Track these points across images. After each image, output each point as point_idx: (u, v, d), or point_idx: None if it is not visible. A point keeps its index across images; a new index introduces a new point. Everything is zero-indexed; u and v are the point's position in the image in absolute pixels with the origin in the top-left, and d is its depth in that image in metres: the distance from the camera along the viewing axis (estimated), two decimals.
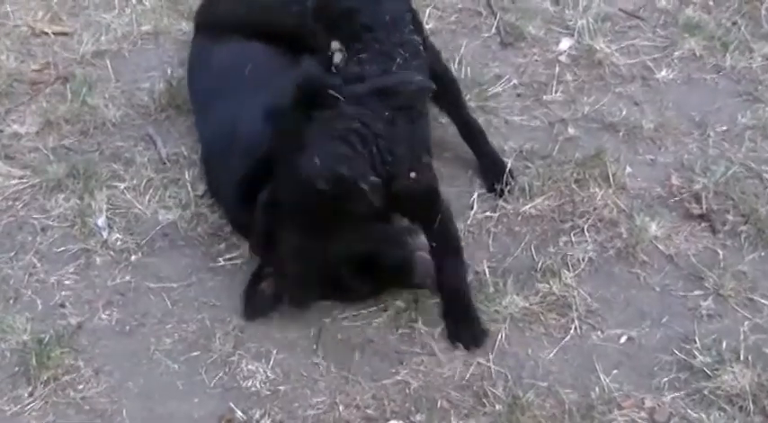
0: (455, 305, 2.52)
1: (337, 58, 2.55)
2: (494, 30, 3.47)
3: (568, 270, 2.63)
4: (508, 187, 2.84)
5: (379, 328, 2.52)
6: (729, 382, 2.36)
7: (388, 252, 2.50)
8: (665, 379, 2.40)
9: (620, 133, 3.06)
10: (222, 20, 3.03)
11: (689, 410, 2.33)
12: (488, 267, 2.64)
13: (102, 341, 2.49)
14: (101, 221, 2.75)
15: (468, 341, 2.47)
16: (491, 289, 2.58)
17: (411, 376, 2.41)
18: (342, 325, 2.53)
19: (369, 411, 2.34)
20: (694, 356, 2.43)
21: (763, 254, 2.70)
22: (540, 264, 2.65)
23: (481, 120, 3.01)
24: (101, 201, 2.80)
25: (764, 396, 2.34)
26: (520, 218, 2.79)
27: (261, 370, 2.42)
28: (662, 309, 2.57)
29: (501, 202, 2.82)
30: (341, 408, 2.34)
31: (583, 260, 2.66)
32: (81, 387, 2.39)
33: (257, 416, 2.32)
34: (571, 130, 3.07)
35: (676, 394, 2.37)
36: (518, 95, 3.21)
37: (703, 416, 2.31)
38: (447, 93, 2.83)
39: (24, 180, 2.88)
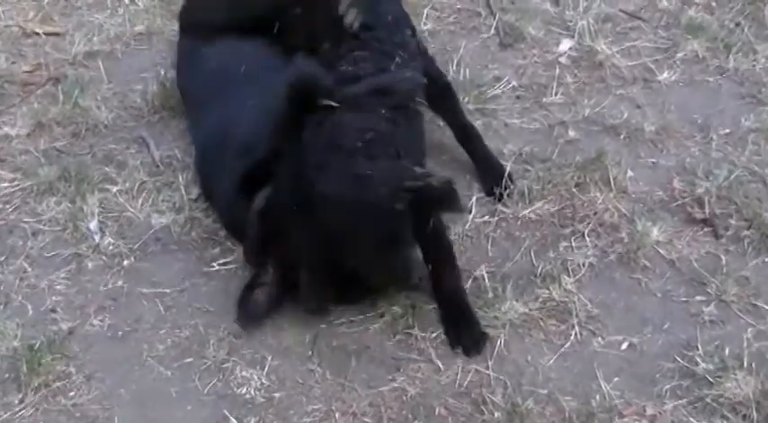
0: (453, 310, 2.49)
1: (351, 16, 2.51)
2: (493, 31, 3.45)
3: (569, 275, 2.60)
4: (507, 191, 2.81)
5: (376, 334, 2.49)
6: (732, 389, 2.33)
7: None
8: (667, 386, 2.37)
9: (622, 136, 3.03)
10: (206, 18, 2.98)
11: (691, 418, 2.30)
12: (487, 273, 2.60)
13: (93, 347, 2.46)
14: (93, 225, 2.72)
15: (468, 346, 2.45)
16: (490, 294, 2.55)
17: (408, 383, 2.38)
18: (338, 331, 2.50)
19: (365, 419, 2.31)
20: (697, 363, 2.40)
21: (766, 259, 2.67)
22: (539, 269, 2.62)
23: (480, 122, 2.98)
24: (93, 204, 2.77)
25: None
26: (519, 222, 2.76)
27: (255, 377, 2.39)
28: (664, 315, 2.54)
29: (500, 207, 2.79)
30: (337, 415, 2.32)
31: (583, 265, 2.64)
32: (72, 394, 2.36)
33: None
34: (571, 133, 3.04)
35: (678, 402, 2.34)
36: (517, 97, 3.18)
37: None
38: (442, 97, 2.81)
39: (15, 183, 2.85)
